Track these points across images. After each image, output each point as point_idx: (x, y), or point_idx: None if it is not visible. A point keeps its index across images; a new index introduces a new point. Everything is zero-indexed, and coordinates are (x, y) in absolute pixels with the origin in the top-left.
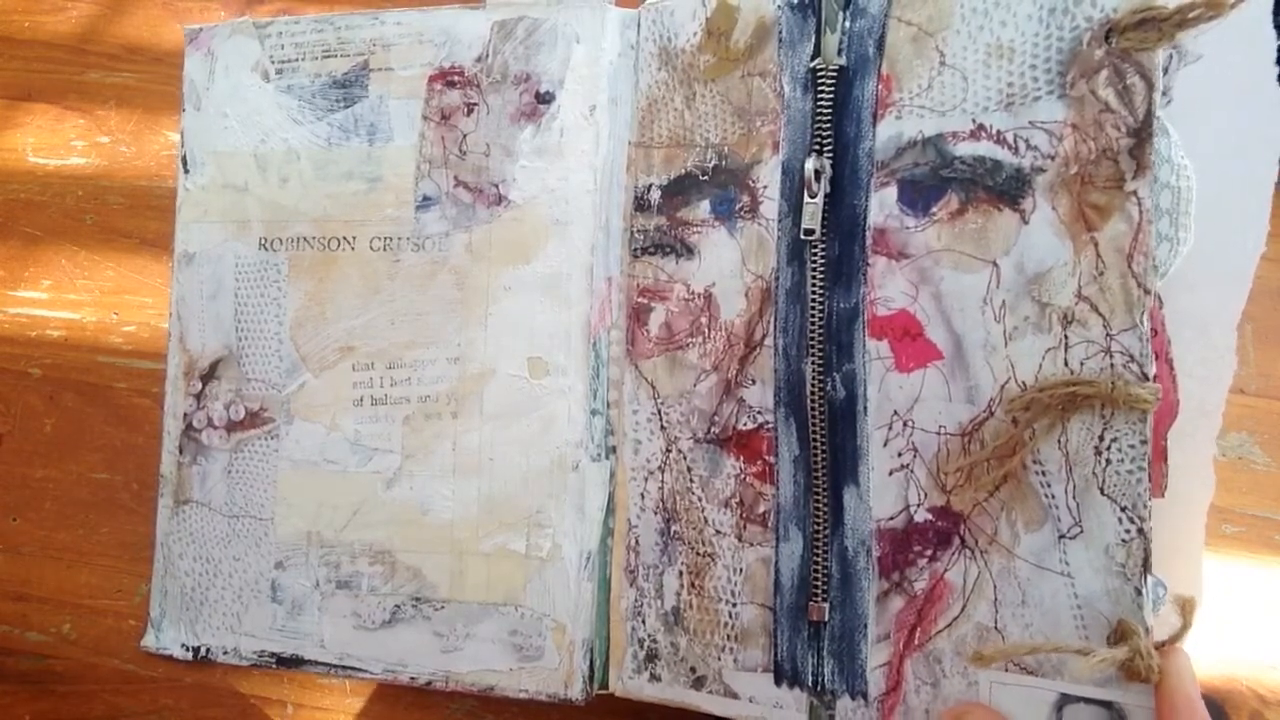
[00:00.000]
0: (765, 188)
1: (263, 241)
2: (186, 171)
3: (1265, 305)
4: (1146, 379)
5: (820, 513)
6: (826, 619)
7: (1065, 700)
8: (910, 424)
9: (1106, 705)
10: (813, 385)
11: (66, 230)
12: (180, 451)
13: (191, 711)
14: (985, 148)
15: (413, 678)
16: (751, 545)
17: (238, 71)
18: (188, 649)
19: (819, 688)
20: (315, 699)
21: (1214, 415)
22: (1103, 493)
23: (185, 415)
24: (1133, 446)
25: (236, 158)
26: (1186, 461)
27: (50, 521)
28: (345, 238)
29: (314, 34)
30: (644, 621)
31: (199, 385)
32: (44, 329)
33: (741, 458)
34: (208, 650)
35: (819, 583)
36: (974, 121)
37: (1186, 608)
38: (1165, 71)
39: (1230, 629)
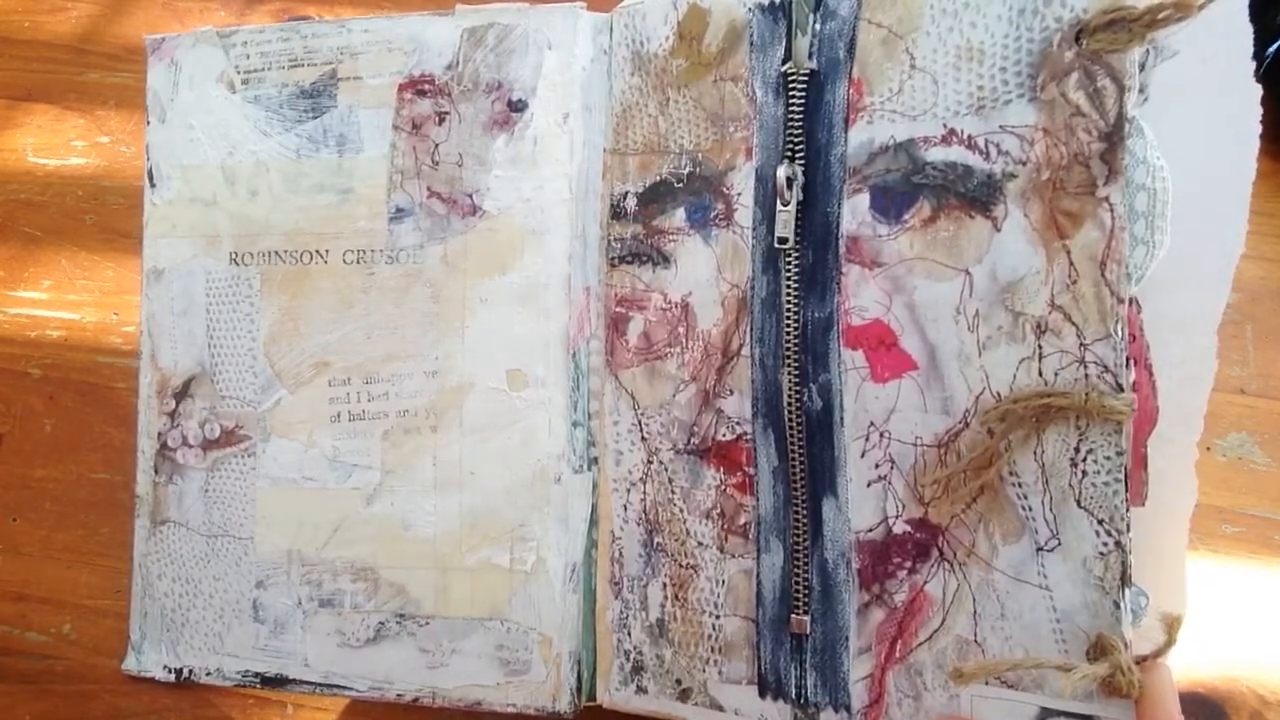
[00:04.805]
0: (739, 195)
1: (233, 256)
2: (153, 186)
3: (1266, 305)
4: (1121, 389)
5: (800, 524)
6: (808, 631)
7: (1046, 714)
8: (887, 435)
9: (1087, 719)
10: (789, 396)
11: (66, 230)
12: (156, 471)
13: (191, 712)
14: (956, 153)
15: (399, 695)
16: (733, 557)
17: (203, 82)
18: (170, 671)
19: (802, 700)
20: (315, 700)
21: (1195, 420)
22: (1079, 505)
23: (160, 434)
24: (1109, 458)
25: (204, 171)
26: (1168, 468)
27: (50, 521)
28: (318, 251)
29: (280, 43)
30: (629, 634)
31: (173, 404)
32: (44, 329)
33: (721, 469)
34: (190, 672)
35: (800, 595)
36: (945, 126)
37: (1173, 626)
38: (1141, 68)
39: (1230, 629)
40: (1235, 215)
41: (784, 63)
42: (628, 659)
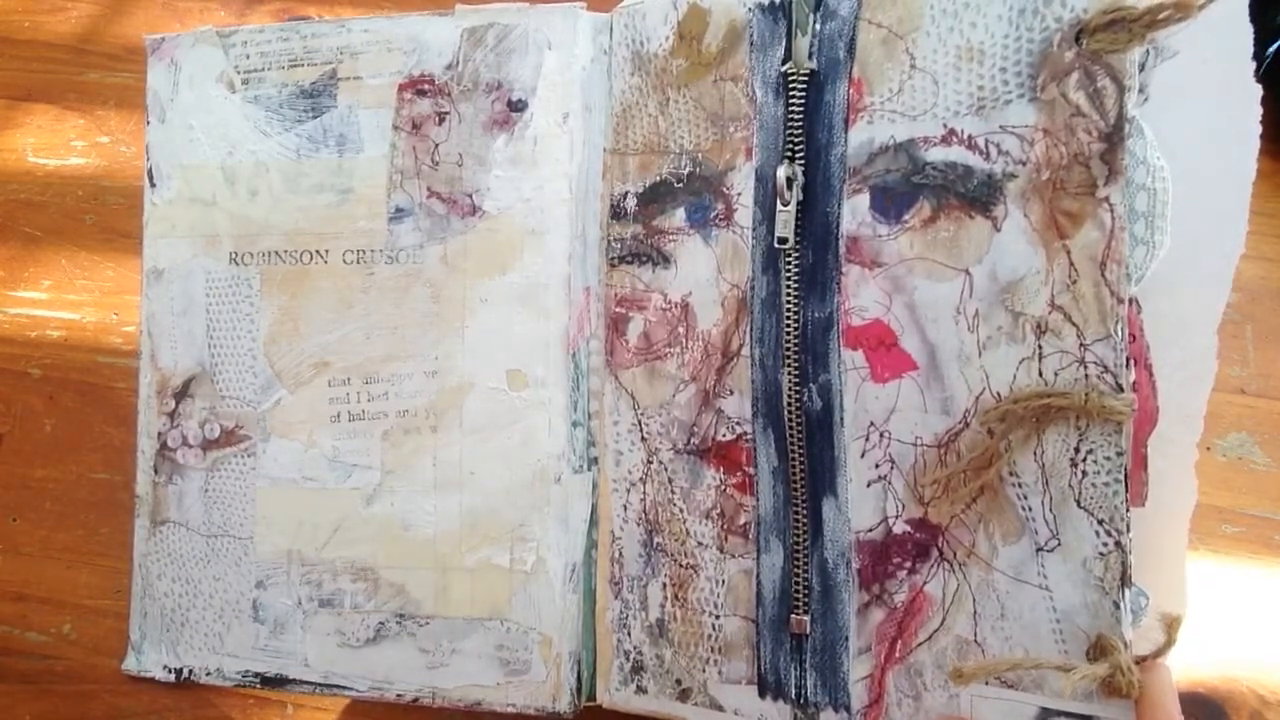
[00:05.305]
0: (739, 195)
1: (233, 256)
2: (153, 186)
3: (1266, 305)
4: (1121, 390)
5: (800, 524)
6: (808, 631)
7: (1046, 714)
8: (887, 435)
9: (1087, 719)
10: (789, 396)
11: (66, 230)
12: (155, 471)
13: (191, 712)
14: (956, 153)
15: (399, 695)
16: (733, 557)
17: (203, 82)
18: (170, 671)
19: (802, 700)
20: (315, 700)
21: (1195, 420)
22: (1079, 505)
23: (160, 434)
24: (1109, 459)
25: (204, 171)
26: (1169, 468)
27: (50, 521)
28: (317, 251)
29: (279, 43)
30: (629, 634)
31: (172, 404)
32: (44, 329)
33: (721, 469)
34: (190, 672)
35: (800, 595)
36: (945, 126)
37: (1172, 626)
38: (1142, 68)
39: (1230, 629)
40: (1235, 215)
41: (784, 63)
42: (628, 659)
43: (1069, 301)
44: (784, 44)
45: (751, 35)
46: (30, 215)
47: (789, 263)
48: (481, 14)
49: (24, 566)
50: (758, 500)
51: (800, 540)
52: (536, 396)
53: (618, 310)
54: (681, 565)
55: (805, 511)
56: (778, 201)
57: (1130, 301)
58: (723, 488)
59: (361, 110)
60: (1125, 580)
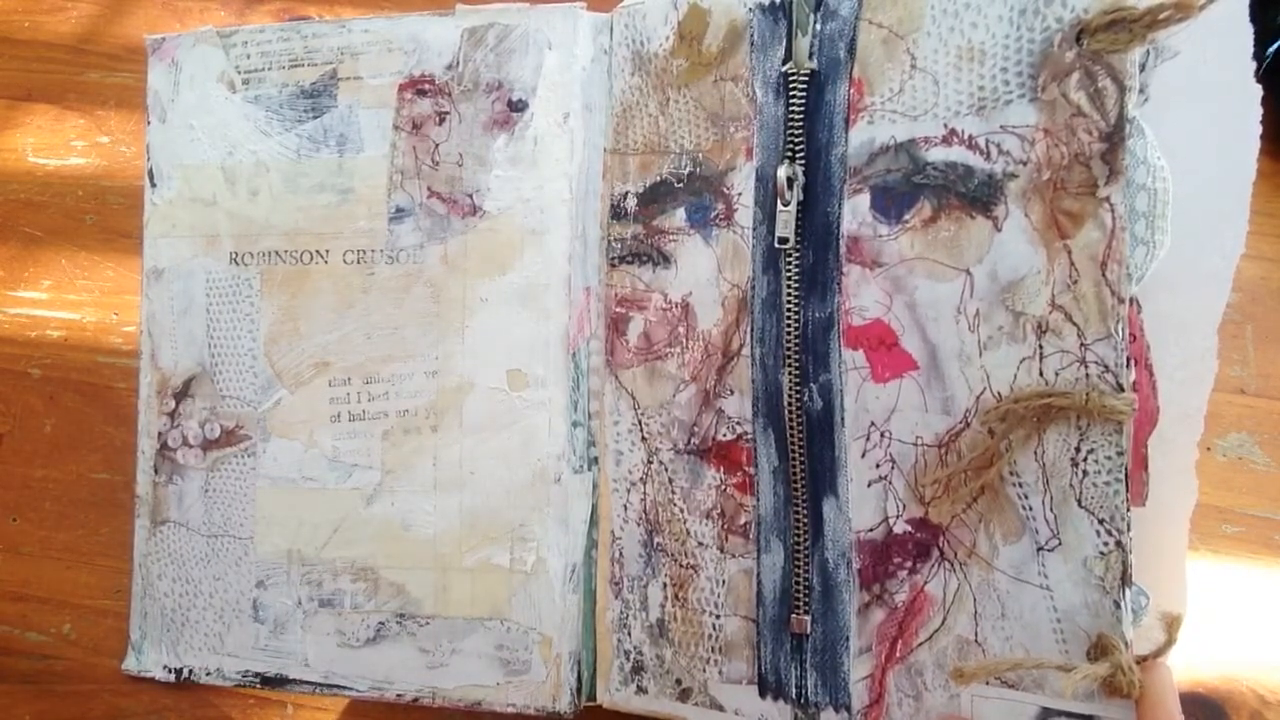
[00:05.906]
0: (740, 195)
1: (233, 256)
2: (153, 185)
3: (1266, 305)
4: (1122, 389)
5: (800, 524)
6: (809, 631)
7: (1047, 714)
8: (887, 435)
9: (1087, 719)
10: (790, 396)
11: (66, 230)
12: (156, 471)
13: (191, 712)
14: (957, 153)
15: (399, 695)
16: (733, 557)
17: (203, 82)
18: (170, 670)
19: (803, 700)
20: (315, 700)
21: (1196, 420)
22: (1080, 505)
23: (160, 434)
24: (1109, 458)
25: (204, 171)
26: (1169, 468)
27: (50, 521)
28: (318, 251)
29: (280, 43)
30: (630, 634)
31: (173, 404)
32: (44, 329)
33: (722, 469)
34: (190, 671)
35: (800, 595)
36: (945, 126)
37: (1173, 625)
38: (1142, 69)
39: (1230, 629)
40: (1235, 215)
41: (784, 63)
42: (628, 659)
43: (1070, 301)
44: (784, 44)
45: (752, 35)
46: (30, 215)
47: (789, 263)
48: (482, 14)
49: (24, 566)
50: (758, 500)
51: (801, 540)
52: (536, 396)
53: (618, 310)
54: (682, 565)
55: (806, 511)
56: (778, 201)
57: (1131, 301)
58: (723, 488)
59: (362, 110)
60: (1126, 580)
